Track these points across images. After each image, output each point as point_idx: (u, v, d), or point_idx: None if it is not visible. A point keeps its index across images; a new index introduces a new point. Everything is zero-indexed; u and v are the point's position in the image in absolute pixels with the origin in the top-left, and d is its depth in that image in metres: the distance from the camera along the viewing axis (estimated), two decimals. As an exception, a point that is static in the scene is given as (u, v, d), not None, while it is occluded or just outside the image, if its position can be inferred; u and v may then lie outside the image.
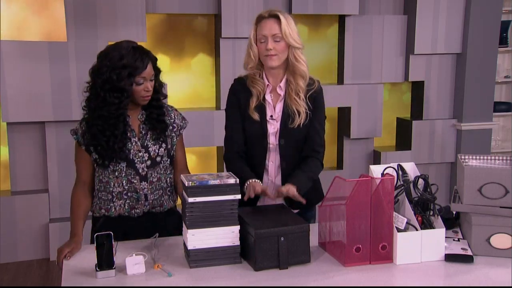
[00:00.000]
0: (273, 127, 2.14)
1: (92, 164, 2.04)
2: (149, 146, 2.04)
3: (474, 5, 4.20)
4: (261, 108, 2.13)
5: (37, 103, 3.67)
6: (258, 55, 2.09)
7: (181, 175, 1.86)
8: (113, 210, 2.04)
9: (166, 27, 4.05)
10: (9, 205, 3.76)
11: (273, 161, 2.17)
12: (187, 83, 4.15)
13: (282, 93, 2.13)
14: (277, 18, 2.04)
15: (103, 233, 1.71)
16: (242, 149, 2.18)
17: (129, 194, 2.03)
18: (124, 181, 2.02)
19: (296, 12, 3.98)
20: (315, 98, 2.15)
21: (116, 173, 2.01)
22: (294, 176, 2.09)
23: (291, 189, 2.01)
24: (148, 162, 2.04)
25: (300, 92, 2.11)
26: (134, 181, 2.02)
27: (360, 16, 4.16)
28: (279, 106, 2.14)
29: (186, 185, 1.73)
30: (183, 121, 2.16)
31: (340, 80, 4.31)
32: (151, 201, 2.05)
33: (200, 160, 4.23)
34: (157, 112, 2.06)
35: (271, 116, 2.13)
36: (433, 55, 4.30)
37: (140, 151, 2.03)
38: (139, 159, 2.02)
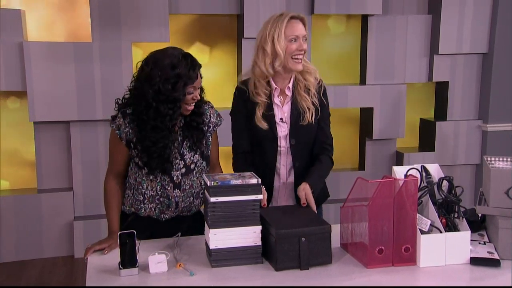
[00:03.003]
0: (283, 130, 2.15)
1: (129, 157, 2.02)
2: (185, 153, 2.02)
3: (502, 3, 4.10)
4: (269, 112, 2.12)
5: (63, 103, 3.74)
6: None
7: (203, 174, 1.86)
8: (143, 211, 2.05)
9: (189, 28, 4.08)
10: (35, 202, 3.84)
11: (284, 164, 2.18)
12: (209, 82, 4.11)
13: (289, 93, 2.15)
14: (303, 21, 2.10)
15: (126, 231, 1.73)
16: (248, 153, 2.19)
17: (161, 199, 2.03)
18: (158, 186, 2.01)
19: (318, 12, 3.96)
20: (323, 96, 2.19)
21: (151, 177, 2.00)
22: (309, 177, 2.08)
23: (307, 192, 2.01)
24: (183, 170, 2.02)
25: (311, 88, 2.13)
26: (168, 188, 2.01)
27: (383, 16, 4.11)
28: (287, 107, 2.15)
29: (208, 184, 1.74)
30: (218, 119, 2.13)
31: (363, 81, 4.27)
32: (181, 208, 2.06)
33: (221, 160, 4.23)
34: (197, 120, 2.01)
35: (281, 119, 2.14)
36: (458, 55, 4.23)
37: (176, 158, 2.00)
38: (175, 167, 2.00)
